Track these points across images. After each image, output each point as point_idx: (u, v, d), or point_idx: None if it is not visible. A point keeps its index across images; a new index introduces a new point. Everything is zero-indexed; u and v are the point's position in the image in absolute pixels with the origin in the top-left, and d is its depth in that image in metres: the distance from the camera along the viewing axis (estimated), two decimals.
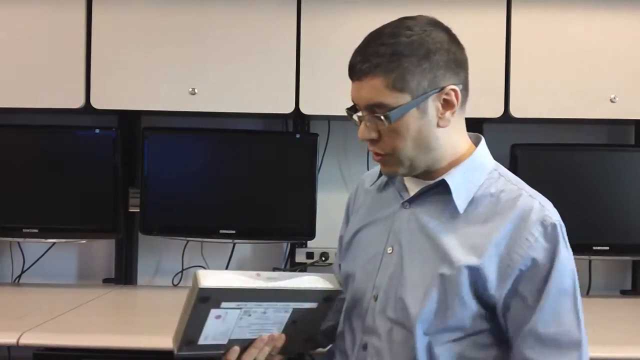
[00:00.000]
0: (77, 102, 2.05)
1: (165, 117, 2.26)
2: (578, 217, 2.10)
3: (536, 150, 2.16)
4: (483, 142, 1.20)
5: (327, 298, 1.15)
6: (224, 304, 1.08)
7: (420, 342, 1.09)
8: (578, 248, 2.09)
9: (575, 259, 2.18)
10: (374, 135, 1.10)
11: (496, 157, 2.39)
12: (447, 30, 1.13)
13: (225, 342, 1.13)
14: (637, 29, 2.03)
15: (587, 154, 2.17)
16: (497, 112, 2.03)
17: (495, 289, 1.07)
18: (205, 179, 2.17)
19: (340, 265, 1.36)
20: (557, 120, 2.09)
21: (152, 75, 2.05)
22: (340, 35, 2.02)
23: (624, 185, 2.12)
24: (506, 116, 2.03)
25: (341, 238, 1.40)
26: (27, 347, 1.58)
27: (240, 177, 2.17)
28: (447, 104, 1.09)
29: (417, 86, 1.06)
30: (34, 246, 2.31)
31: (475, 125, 2.28)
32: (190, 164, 2.18)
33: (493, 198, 1.12)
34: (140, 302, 2.14)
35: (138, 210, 2.20)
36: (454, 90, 1.08)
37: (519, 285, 1.07)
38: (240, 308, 1.09)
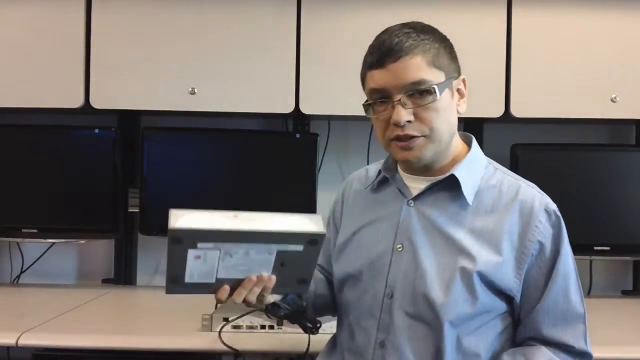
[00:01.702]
0: (77, 102, 2.05)
1: (165, 117, 2.25)
2: (579, 217, 2.09)
3: (537, 150, 2.16)
4: (474, 140, 1.26)
5: (311, 241, 1.11)
6: (200, 245, 1.06)
7: (449, 335, 1.13)
8: (579, 248, 2.09)
9: (576, 259, 2.18)
10: (411, 117, 1.13)
11: (497, 157, 2.38)
12: None
13: (212, 280, 1.11)
14: (637, 29, 2.03)
15: (587, 153, 2.16)
16: (497, 112, 2.02)
17: (514, 278, 1.15)
18: (205, 178, 2.17)
19: (324, 267, 1.39)
20: (558, 120, 2.08)
21: (152, 75, 2.04)
22: (340, 35, 2.02)
23: (625, 185, 2.12)
24: (507, 116, 2.03)
25: (329, 240, 1.38)
26: (26, 348, 1.58)
27: (240, 177, 2.16)
28: (460, 93, 1.19)
29: (448, 67, 1.15)
30: (33, 246, 2.30)
31: (475, 125, 2.29)
32: (190, 163, 2.18)
33: (495, 189, 1.19)
34: (139, 302, 2.13)
35: (137, 210, 2.20)
36: (464, 80, 1.19)
37: (532, 268, 1.16)
38: (218, 249, 1.08)
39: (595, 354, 1.53)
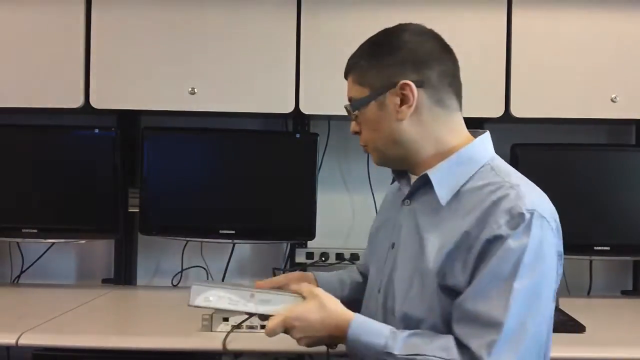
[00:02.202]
0: (77, 102, 2.05)
1: (165, 117, 2.25)
2: (579, 217, 2.09)
3: (537, 150, 2.16)
4: (483, 137, 1.22)
5: None
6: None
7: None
8: (579, 248, 2.12)
9: (575, 259, 2.18)
10: (357, 128, 1.23)
11: None
12: (428, 34, 1.21)
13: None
14: (638, 29, 2.02)
15: (587, 154, 2.16)
16: (497, 112, 2.02)
17: (465, 283, 1.08)
18: (205, 178, 2.17)
19: (362, 272, 1.49)
20: (558, 120, 2.08)
21: (152, 75, 2.04)
22: (340, 35, 2.01)
23: (624, 185, 2.12)
24: (507, 116, 2.03)
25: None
26: (26, 348, 1.57)
27: (240, 177, 2.16)
28: (405, 99, 1.15)
29: (374, 82, 1.17)
30: (33, 246, 2.30)
31: (475, 125, 2.28)
32: (189, 163, 2.18)
33: (478, 191, 1.12)
34: (139, 302, 2.13)
35: (137, 211, 2.20)
36: (407, 85, 1.14)
37: (477, 268, 1.07)
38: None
39: (595, 354, 1.54)
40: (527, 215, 1.05)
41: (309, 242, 2.26)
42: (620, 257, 2.23)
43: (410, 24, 1.22)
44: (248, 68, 2.04)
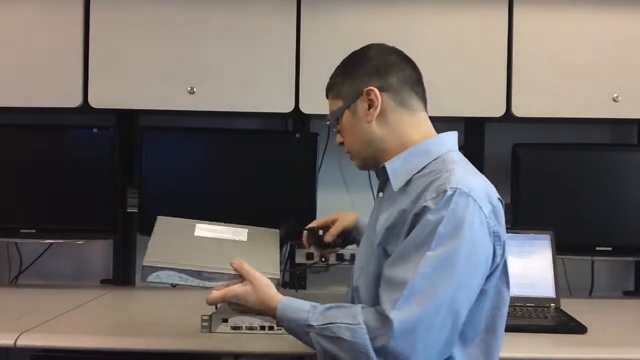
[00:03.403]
0: (75, 101, 2.04)
1: (164, 117, 2.24)
2: (581, 217, 2.09)
3: (538, 149, 2.15)
4: (444, 134, 1.31)
5: None
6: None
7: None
8: (580, 249, 2.12)
9: (577, 259, 2.17)
10: (340, 139, 1.38)
11: (498, 157, 2.38)
12: (389, 49, 1.35)
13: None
14: (638, 28, 2.02)
15: (589, 153, 2.16)
16: (498, 111, 2.02)
17: (393, 248, 1.19)
18: (204, 178, 2.16)
19: None
20: (559, 119, 2.07)
21: (151, 74, 2.03)
22: (340, 35, 2.01)
23: (626, 185, 2.11)
24: (508, 116, 2.02)
25: None
26: (24, 349, 1.57)
27: (240, 177, 2.16)
28: (372, 103, 1.28)
29: (347, 93, 1.32)
30: (31, 247, 2.29)
31: (476, 125, 2.28)
32: (188, 163, 2.17)
33: (424, 177, 1.22)
34: (138, 303, 2.13)
35: (136, 211, 2.19)
36: (372, 90, 1.27)
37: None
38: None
39: (597, 355, 1.54)
40: (450, 192, 1.13)
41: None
42: (622, 258, 2.22)
43: (374, 44, 1.36)
44: (248, 68, 2.03)
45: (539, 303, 1.87)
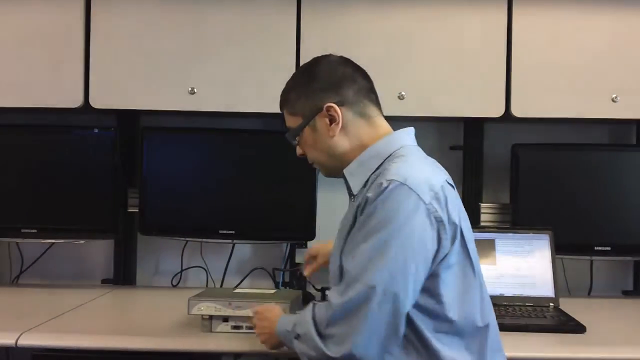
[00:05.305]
0: (76, 102, 2.05)
1: (165, 117, 2.25)
2: (580, 217, 2.09)
3: (537, 150, 2.15)
4: (397, 132, 1.36)
5: None
6: None
7: None
8: (579, 248, 2.12)
9: (576, 259, 2.17)
10: (300, 151, 1.42)
11: (497, 157, 2.38)
12: (339, 60, 1.39)
13: None
14: (638, 28, 2.02)
15: (588, 153, 2.16)
16: (498, 111, 2.02)
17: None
18: (204, 178, 2.17)
19: None
20: (559, 120, 2.08)
21: (151, 75, 2.04)
22: (340, 35, 2.01)
23: (625, 185, 2.11)
24: (507, 116, 2.03)
25: None
26: (25, 348, 1.57)
27: (240, 177, 2.16)
28: (332, 119, 1.33)
29: (304, 109, 1.35)
30: (32, 246, 2.29)
31: (476, 125, 2.28)
32: (189, 163, 2.17)
33: (377, 177, 1.26)
34: (139, 302, 2.13)
35: (137, 211, 2.19)
36: (332, 107, 1.31)
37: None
38: None
39: (596, 355, 1.55)
40: (385, 184, 1.20)
41: (309, 242, 2.26)
42: (621, 257, 2.22)
43: (325, 56, 1.40)
44: (248, 68, 2.03)
45: (538, 303, 1.87)
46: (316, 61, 1.39)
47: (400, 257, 1.16)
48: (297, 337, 1.26)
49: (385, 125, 1.37)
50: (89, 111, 2.08)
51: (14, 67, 2.05)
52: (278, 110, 2.03)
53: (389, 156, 1.30)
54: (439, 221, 1.19)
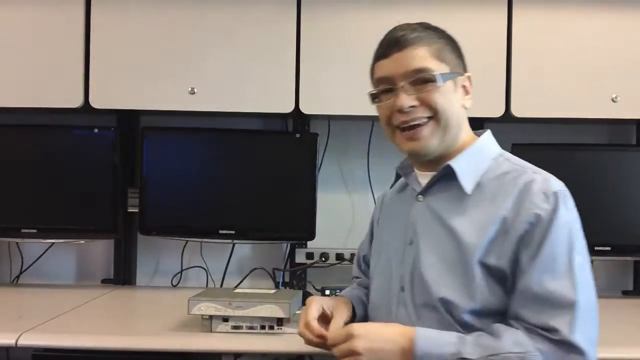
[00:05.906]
0: (76, 102, 2.05)
1: (165, 117, 2.25)
2: (579, 217, 2.09)
3: (537, 150, 2.15)
4: (488, 133, 1.29)
5: None
6: None
7: (458, 322, 1.13)
8: None
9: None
10: (416, 102, 1.17)
11: None
12: None
13: None
14: (638, 28, 2.02)
15: (588, 153, 2.16)
16: (498, 111, 2.02)
17: (507, 262, 1.12)
18: (204, 179, 2.17)
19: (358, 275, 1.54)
20: (558, 120, 2.08)
21: (151, 75, 2.04)
22: (340, 35, 2.02)
23: (625, 185, 2.11)
24: (507, 116, 2.03)
25: (359, 252, 1.54)
26: (25, 348, 1.57)
27: (240, 177, 2.16)
28: (465, 90, 1.23)
29: (453, 62, 1.21)
30: (32, 246, 2.30)
31: (476, 125, 2.27)
32: (189, 163, 2.17)
33: (498, 180, 1.18)
34: (139, 302, 2.13)
35: (137, 211, 2.19)
36: (470, 78, 1.23)
37: (522, 250, 1.11)
38: None
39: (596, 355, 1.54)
40: (561, 194, 1.13)
41: (309, 242, 2.26)
42: (621, 258, 2.22)
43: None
44: (248, 68, 2.03)
45: None
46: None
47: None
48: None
49: None
50: (89, 111, 2.08)
51: (14, 67, 2.05)
52: (278, 111, 2.06)
53: (495, 158, 1.23)
54: None
